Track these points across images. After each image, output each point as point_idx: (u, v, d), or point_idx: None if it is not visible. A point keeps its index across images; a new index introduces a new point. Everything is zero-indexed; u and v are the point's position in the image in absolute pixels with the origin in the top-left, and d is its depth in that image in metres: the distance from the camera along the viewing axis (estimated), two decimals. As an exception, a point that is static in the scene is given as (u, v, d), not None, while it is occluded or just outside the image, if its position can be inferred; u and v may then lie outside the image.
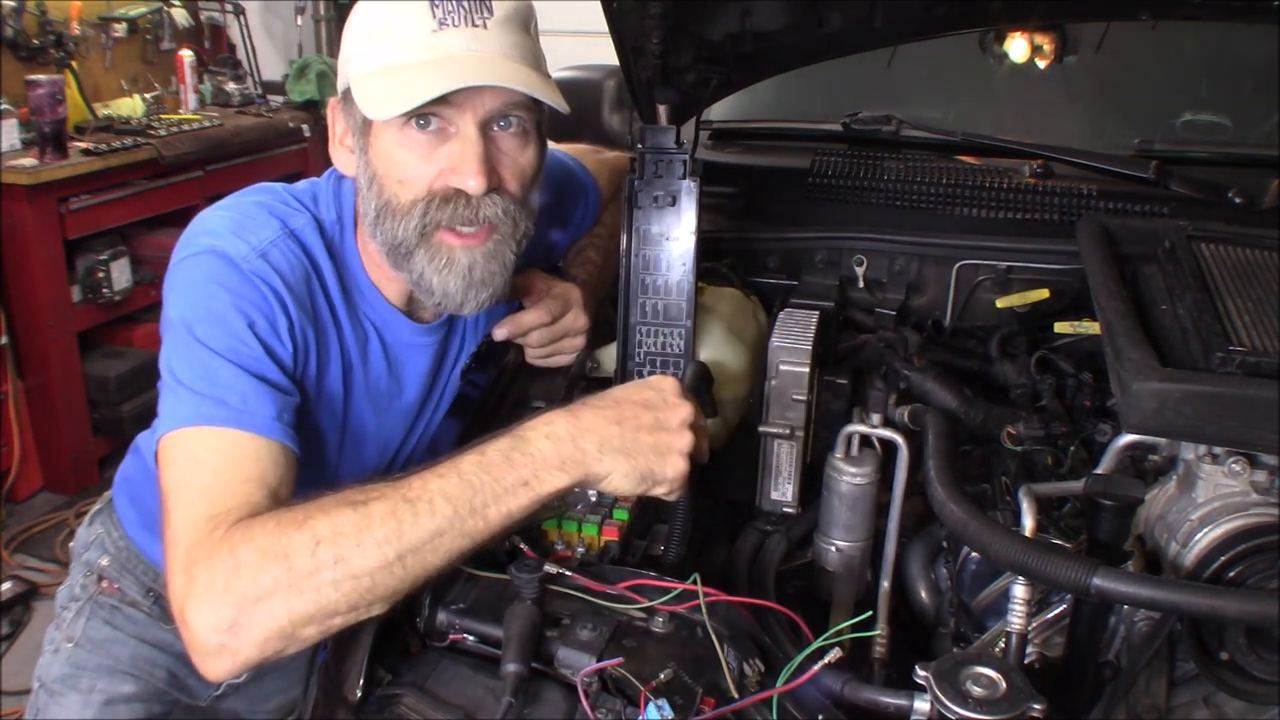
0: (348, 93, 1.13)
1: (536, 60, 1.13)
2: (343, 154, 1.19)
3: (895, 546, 1.24)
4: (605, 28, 1.36)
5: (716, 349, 1.45)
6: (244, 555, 0.90)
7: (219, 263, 1.09)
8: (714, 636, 0.94)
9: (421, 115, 1.08)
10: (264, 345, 1.08)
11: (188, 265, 1.11)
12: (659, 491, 1.03)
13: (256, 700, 1.61)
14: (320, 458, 1.23)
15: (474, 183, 1.09)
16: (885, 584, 1.23)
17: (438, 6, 1.06)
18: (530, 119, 1.14)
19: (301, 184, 1.24)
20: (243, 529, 0.92)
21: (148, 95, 4.09)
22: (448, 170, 1.10)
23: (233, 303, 1.07)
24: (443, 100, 1.06)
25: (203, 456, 1.00)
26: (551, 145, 1.57)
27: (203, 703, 1.54)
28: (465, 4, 1.07)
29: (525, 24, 1.13)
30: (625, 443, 1.00)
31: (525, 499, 0.96)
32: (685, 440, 1.03)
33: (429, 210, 1.11)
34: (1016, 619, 1.00)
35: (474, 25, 1.07)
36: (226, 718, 1.61)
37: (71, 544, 1.57)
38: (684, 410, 1.05)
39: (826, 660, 0.93)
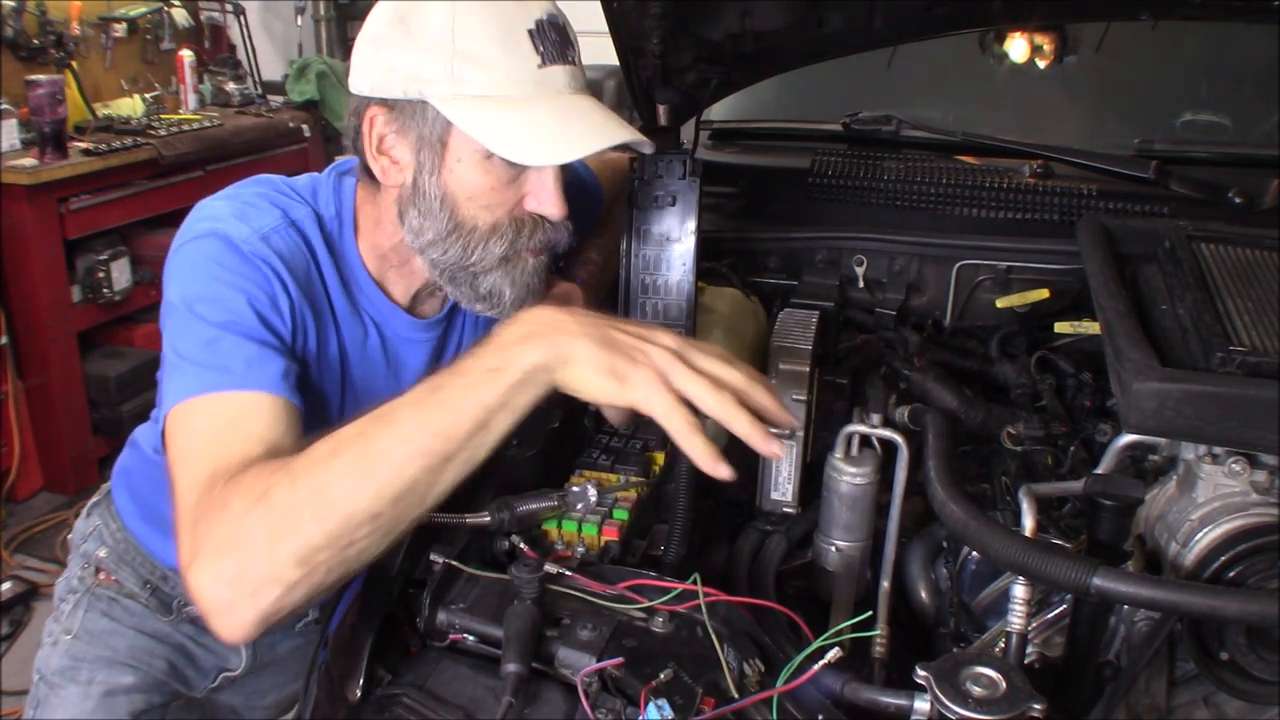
0: (415, 106, 1.09)
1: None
2: (384, 163, 1.14)
3: (895, 546, 1.24)
4: (605, 28, 1.37)
5: (716, 349, 1.45)
6: (234, 505, 0.89)
7: (220, 244, 1.10)
8: (714, 636, 0.94)
9: None
10: (264, 320, 1.08)
11: (189, 249, 1.11)
12: (628, 397, 0.91)
13: (253, 696, 1.61)
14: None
15: (558, 212, 1.13)
16: (885, 584, 1.23)
17: (536, 39, 1.08)
18: None
19: (301, 178, 1.24)
20: (234, 480, 0.92)
21: (148, 95, 4.09)
22: (528, 196, 1.13)
23: (233, 281, 1.08)
24: None
25: (202, 423, 1.00)
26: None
27: (199, 694, 1.54)
28: (554, 37, 1.10)
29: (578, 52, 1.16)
30: (598, 333, 0.93)
31: (494, 387, 0.90)
32: (665, 360, 0.93)
33: (518, 237, 1.14)
34: (1016, 619, 1.00)
35: (567, 62, 1.11)
36: (224, 713, 1.61)
37: (70, 535, 1.57)
38: (669, 338, 0.96)
39: (826, 660, 0.93)
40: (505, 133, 1.07)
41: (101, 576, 1.48)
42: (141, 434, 1.46)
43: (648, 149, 1.19)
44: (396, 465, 0.88)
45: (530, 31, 1.07)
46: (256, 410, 1.01)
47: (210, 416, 1.01)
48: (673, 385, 0.92)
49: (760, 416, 0.95)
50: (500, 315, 1.19)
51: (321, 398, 1.21)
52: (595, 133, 1.09)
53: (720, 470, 0.92)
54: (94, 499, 1.56)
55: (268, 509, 0.88)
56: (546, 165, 1.11)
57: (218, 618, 0.89)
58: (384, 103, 1.11)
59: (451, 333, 1.34)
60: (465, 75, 1.07)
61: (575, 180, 1.53)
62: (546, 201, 1.13)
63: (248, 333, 1.06)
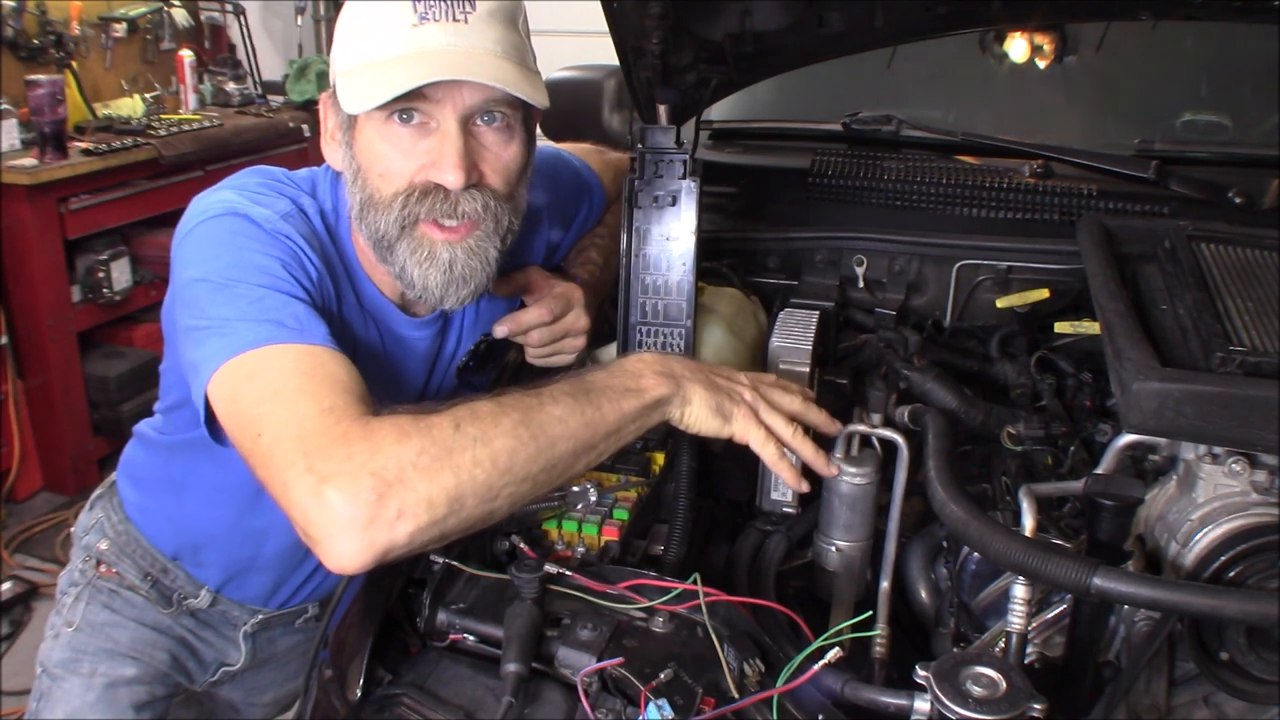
0: (335, 88, 1.13)
1: (521, 55, 1.12)
2: (333, 148, 1.20)
3: (895, 546, 1.24)
4: (605, 28, 1.36)
5: (716, 349, 1.45)
6: (383, 435, 0.89)
7: (241, 221, 1.09)
8: (714, 636, 0.94)
9: (404, 110, 1.08)
10: (300, 284, 1.07)
11: (207, 227, 1.10)
12: (730, 430, 1.08)
13: (253, 692, 1.62)
14: None
15: (452, 177, 1.08)
16: (885, 584, 1.23)
17: (419, 2, 1.06)
18: (515, 115, 1.13)
19: (300, 171, 1.25)
20: (368, 417, 0.91)
21: (148, 95, 4.09)
22: (428, 164, 1.10)
23: (262, 250, 1.08)
24: (423, 96, 1.06)
25: (284, 367, 0.97)
26: (557, 145, 1.57)
27: (199, 688, 1.54)
28: None
29: (511, 19, 1.12)
30: (703, 377, 1.08)
31: (634, 402, 1.02)
32: (753, 398, 1.09)
33: (408, 203, 1.11)
34: (1016, 619, 1.00)
35: (455, 20, 1.06)
36: (223, 709, 1.61)
37: (72, 529, 1.58)
38: (745, 378, 1.12)
39: (826, 660, 0.93)
40: (350, 89, 1.08)
41: (102, 569, 1.48)
42: (144, 426, 1.47)
43: (526, 92, 1.07)
44: (552, 438, 0.95)
45: None
46: (330, 360, 0.99)
47: (285, 362, 0.97)
48: (761, 420, 1.09)
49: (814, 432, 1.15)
50: (425, 299, 1.18)
51: None
52: (425, 74, 1.03)
53: (804, 486, 1.15)
54: (97, 491, 1.56)
55: (430, 442, 0.88)
56: (359, 111, 1.07)
57: (341, 538, 0.86)
58: (329, 92, 1.17)
59: (449, 332, 1.34)
60: (355, 47, 1.10)
61: (578, 179, 1.53)
62: (441, 165, 1.08)
63: (291, 292, 1.05)
